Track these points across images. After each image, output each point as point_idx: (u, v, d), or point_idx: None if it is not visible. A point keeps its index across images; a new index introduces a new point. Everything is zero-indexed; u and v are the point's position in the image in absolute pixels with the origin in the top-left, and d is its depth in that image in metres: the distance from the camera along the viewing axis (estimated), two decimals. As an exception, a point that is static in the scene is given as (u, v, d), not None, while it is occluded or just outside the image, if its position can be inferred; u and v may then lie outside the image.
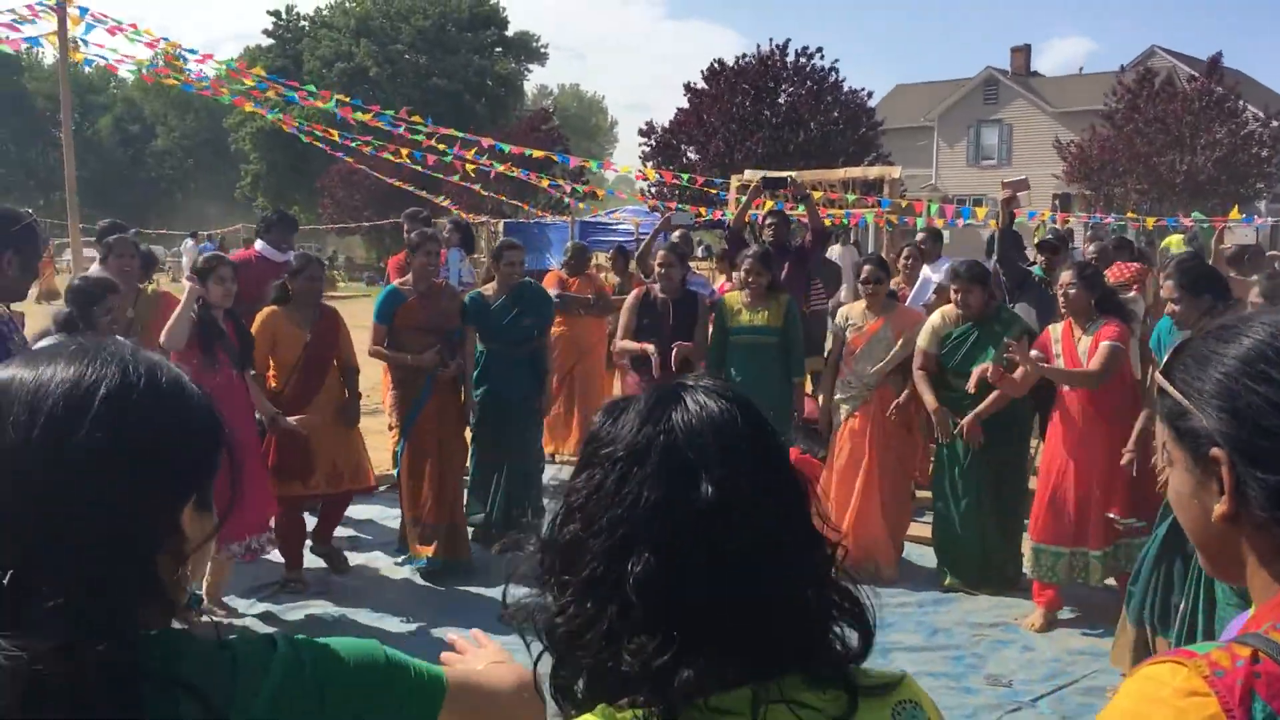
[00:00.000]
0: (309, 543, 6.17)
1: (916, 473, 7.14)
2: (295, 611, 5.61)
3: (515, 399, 6.54)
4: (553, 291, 8.01)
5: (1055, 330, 5.62)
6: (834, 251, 18.32)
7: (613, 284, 9.29)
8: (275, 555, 5.86)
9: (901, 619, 5.55)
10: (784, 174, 10.42)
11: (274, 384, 5.83)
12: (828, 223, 17.95)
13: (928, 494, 7.45)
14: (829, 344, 6.42)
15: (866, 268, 6.41)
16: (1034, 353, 5.42)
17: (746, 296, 6.47)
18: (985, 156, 43.74)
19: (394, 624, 5.42)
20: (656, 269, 6.85)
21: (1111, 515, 5.29)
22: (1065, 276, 5.56)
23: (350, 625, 5.36)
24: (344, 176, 35.89)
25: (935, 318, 6.17)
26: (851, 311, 6.47)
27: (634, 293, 7.02)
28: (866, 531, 6.21)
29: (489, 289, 6.63)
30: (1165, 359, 1.22)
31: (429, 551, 6.12)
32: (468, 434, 6.54)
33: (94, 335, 3.59)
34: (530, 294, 6.68)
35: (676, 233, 8.64)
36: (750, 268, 6.38)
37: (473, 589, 5.95)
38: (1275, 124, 30.86)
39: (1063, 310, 5.57)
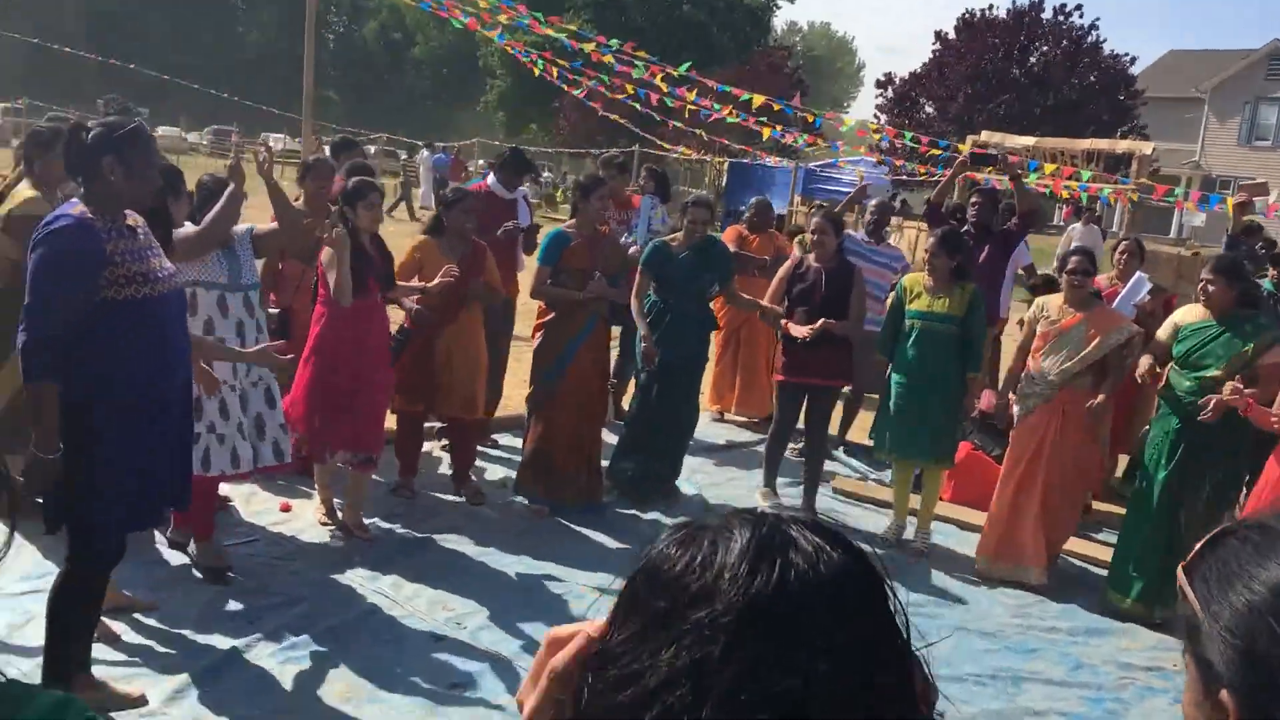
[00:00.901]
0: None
1: (1092, 486, 6.66)
2: (417, 530, 5.71)
3: (681, 358, 6.50)
4: (730, 247, 7.84)
5: None
6: (1075, 231, 17.34)
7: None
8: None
9: (1046, 646, 5.18)
10: (994, 152, 9.76)
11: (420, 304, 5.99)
12: (1065, 195, 16.95)
13: (1106, 508, 6.97)
14: (1039, 329, 6.00)
15: (1074, 258, 5.94)
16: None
17: (929, 280, 6.14)
18: (1260, 137, 40.17)
19: (506, 560, 5.45)
20: (809, 237, 6.60)
21: None
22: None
23: (464, 557, 5.43)
24: (579, 101, 36.25)
25: (1179, 314, 5.78)
26: (1049, 303, 6.05)
27: (788, 261, 6.85)
28: (1020, 533, 5.93)
29: (674, 240, 6.61)
30: (1191, 553, 1.00)
31: (541, 492, 6.22)
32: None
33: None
34: (714, 248, 6.65)
35: (874, 201, 8.25)
36: (931, 250, 6.06)
37: (591, 534, 5.93)
38: None
39: None
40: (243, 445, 4.94)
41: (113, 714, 3.69)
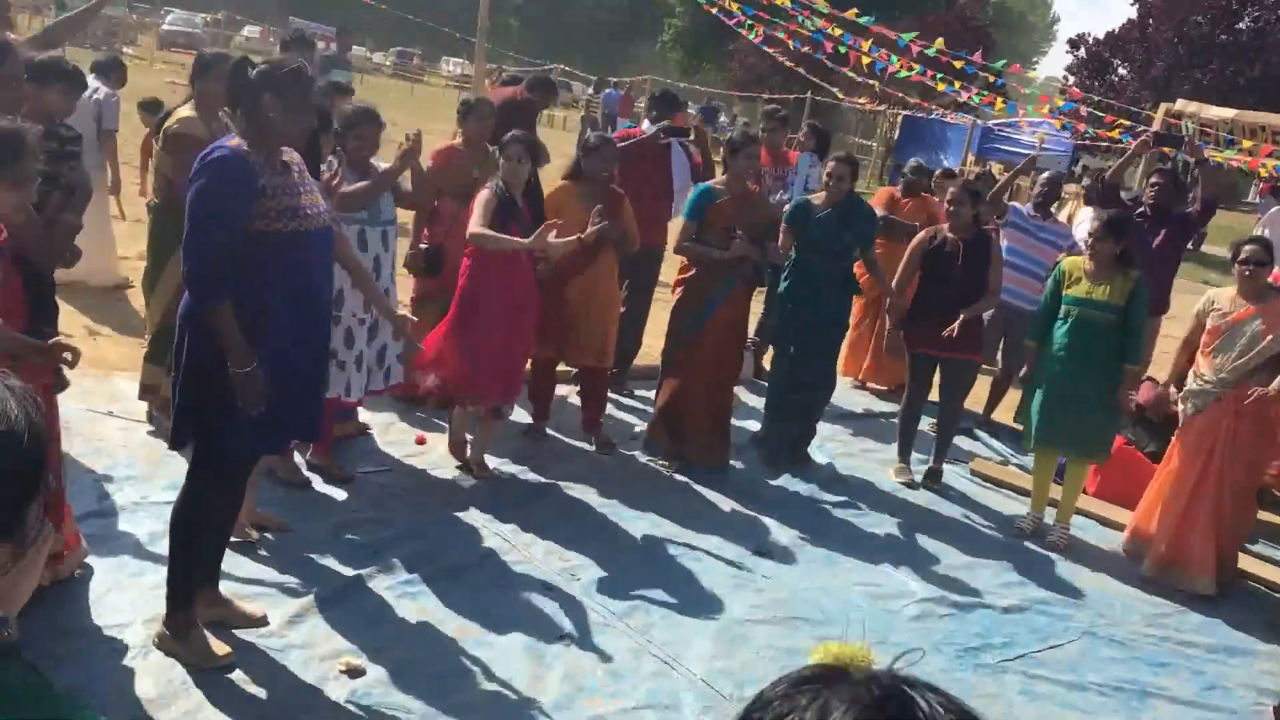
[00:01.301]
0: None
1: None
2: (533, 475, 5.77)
3: (819, 319, 6.41)
4: (880, 210, 7.65)
5: None
6: (1273, 213, 16.40)
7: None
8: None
9: (1179, 661, 4.93)
10: (1179, 133, 9.16)
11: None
12: (1264, 174, 15.89)
13: (1267, 517, 6.57)
14: (1208, 323, 5.67)
15: (1248, 247, 5.59)
16: None
17: (1090, 265, 5.84)
18: None
19: (628, 516, 5.46)
20: (946, 206, 6.37)
21: None
22: None
23: (587, 509, 5.47)
24: (755, 45, 35.76)
25: None
26: (1220, 296, 5.72)
27: (921, 234, 6.64)
28: (1188, 538, 5.66)
29: (817, 198, 6.54)
30: None
31: (670, 446, 6.23)
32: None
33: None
34: (857, 209, 6.52)
35: (1045, 174, 7.86)
36: (1095, 233, 5.77)
37: (716, 496, 5.90)
38: None
39: None
40: (357, 376, 5.20)
41: (235, 632, 3.86)
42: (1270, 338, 5.42)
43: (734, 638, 4.45)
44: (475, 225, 5.24)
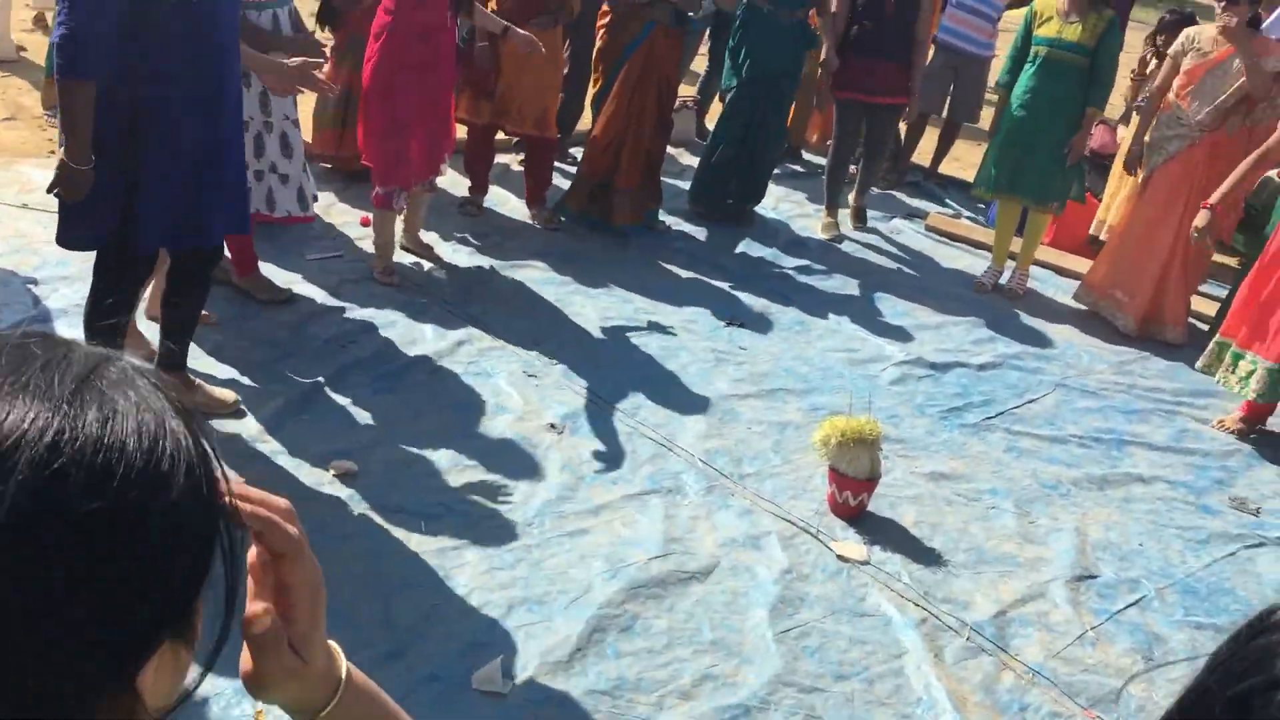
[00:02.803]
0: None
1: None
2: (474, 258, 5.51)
3: (770, 71, 6.16)
4: None
5: None
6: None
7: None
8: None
9: (1150, 408, 5.01)
10: None
11: (492, 6, 5.55)
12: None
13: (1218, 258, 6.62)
14: (1186, 64, 5.48)
15: None
16: None
17: (1064, 3, 5.58)
18: None
19: (592, 294, 5.26)
20: None
21: None
22: None
23: (545, 288, 5.25)
24: None
25: None
26: (1200, 35, 5.53)
27: None
28: (1165, 290, 5.67)
29: None
30: None
31: (587, 209, 6.01)
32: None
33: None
34: None
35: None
36: None
37: (672, 268, 5.71)
38: None
39: None
40: (282, 190, 4.82)
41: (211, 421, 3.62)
42: (1249, 68, 5.27)
43: (724, 414, 4.36)
44: None
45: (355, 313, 4.71)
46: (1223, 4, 5.30)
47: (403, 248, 5.33)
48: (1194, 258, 5.65)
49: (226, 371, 4.07)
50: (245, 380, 4.05)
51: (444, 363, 4.42)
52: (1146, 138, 5.66)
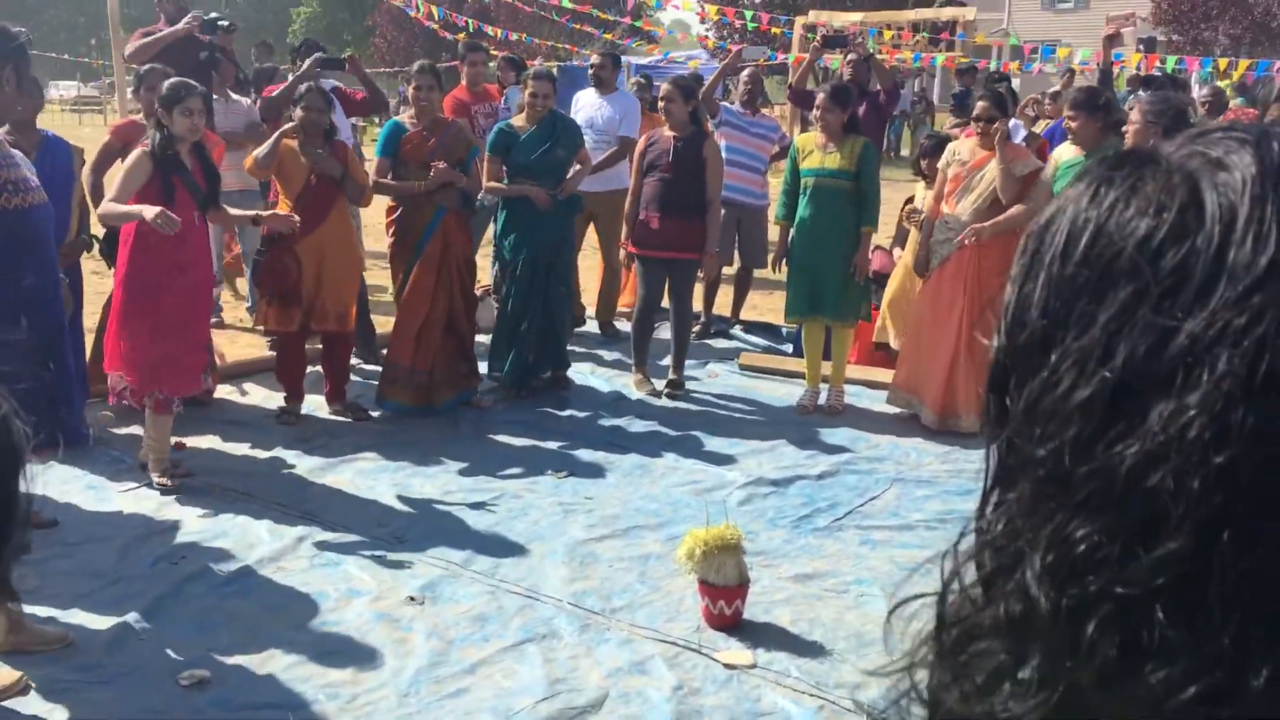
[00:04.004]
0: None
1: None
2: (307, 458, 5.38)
3: (543, 246, 6.32)
4: None
5: None
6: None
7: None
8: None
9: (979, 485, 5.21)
10: (844, 33, 9.83)
11: (284, 206, 5.66)
12: (896, 63, 17.12)
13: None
14: (951, 173, 5.95)
15: (981, 104, 5.94)
16: None
17: (821, 137, 6.06)
18: (1062, 0, 41.51)
19: (430, 473, 5.19)
20: (660, 104, 6.42)
21: None
22: (1136, 115, 5.26)
23: (377, 470, 5.15)
24: (394, 16, 35.21)
25: (1058, 151, 5.94)
26: (961, 147, 6.04)
27: (644, 135, 6.68)
28: (955, 384, 5.92)
29: (518, 120, 6.42)
30: None
31: (405, 398, 5.97)
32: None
33: None
34: (562, 124, 6.45)
35: (746, 72, 8.06)
36: (822, 104, 6.00)
37: (498, 437, 5.70)
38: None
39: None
40: None
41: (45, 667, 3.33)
42: (1003, 173, 5.75)
43: (584, 558, 4.31)
44: (111, 200, 4.63)
45: (184, 529, 4.48)
46: (980, 125, 5.83)
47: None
48: (980, 350, 6.01)
49: (46, 611, 3.77)
50: (76, 609, 3.77)
51: (286, 560, 4.23)
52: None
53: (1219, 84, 12.06)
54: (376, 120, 8.04)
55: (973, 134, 5.99)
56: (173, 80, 4.91)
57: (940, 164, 6.09)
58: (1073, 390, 0.55)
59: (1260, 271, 0.51)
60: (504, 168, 6.29)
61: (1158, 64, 15.27)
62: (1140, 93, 7.36)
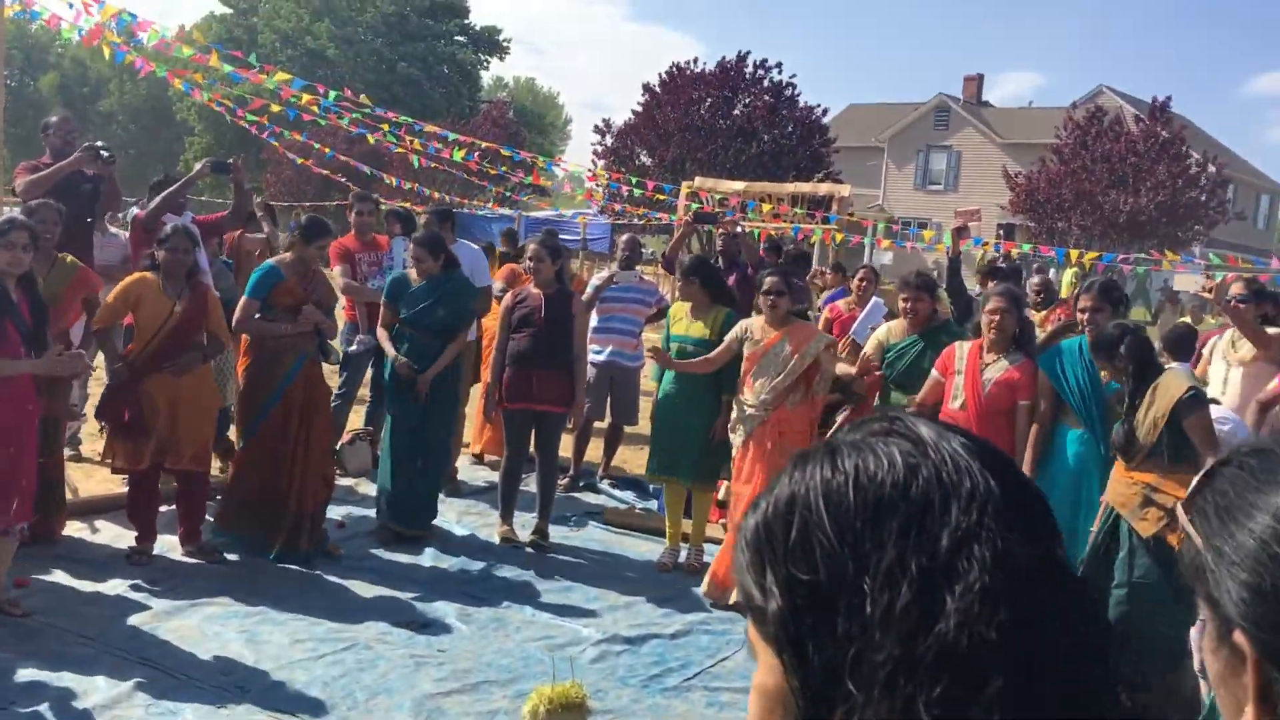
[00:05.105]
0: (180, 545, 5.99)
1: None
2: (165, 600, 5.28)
3: (428, 394, 6.45)
4: (498, 285, 7.98)
5: (962, 349, 5.55)
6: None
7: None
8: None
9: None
10: (715, 212, 10.50)
11: (132, 347, 5.69)
12: (774, 233, 17.94)
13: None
14: (745, 351, 6.10)
15: (769, 280, 5.99)
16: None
17: (689, 306, 6.35)
18: (933, 181, 44.03)
19: (281, 618, 5.13)
20: (528, 263, 6.72)
21: None
22: (995, 303, 5.50)
23: (227, 615, 5.07)
24: (286, 156, 35.50)
25: (881, 331, 6.24)
26: (751, 325, 6.07)
27: (510, 292, 6.95)
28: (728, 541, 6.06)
29: (414, 272, 6.59)
30: (1191, 488, 0.91)
31: (249, 530, 5.96)
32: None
33: None
34: (448, 285, 6.54)
35: (624, 237, 8.44)
36: (683, 276, 6.32)
37: (357, 585, 5.68)
38: (1213, 170, 31.48)
39: (989, 334, 5.46)
40: None
41: None
42: (797, 356, 5.83)
43: (430, 713, 4.29)
44: None
45: (17, 673, 4.33)
46: (771, 297, 5.91)
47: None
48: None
49: None
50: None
51: (121, 709, 4.11)
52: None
53: (1065, 273, 12.99)
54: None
55: (849, 316, 6.31)
56: (8, 219, 4.95)
57: (729, 338, 6.07)
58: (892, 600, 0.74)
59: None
60: (394, 314, 6.49)
61: (1014, 249, 16.35)
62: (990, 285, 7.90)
